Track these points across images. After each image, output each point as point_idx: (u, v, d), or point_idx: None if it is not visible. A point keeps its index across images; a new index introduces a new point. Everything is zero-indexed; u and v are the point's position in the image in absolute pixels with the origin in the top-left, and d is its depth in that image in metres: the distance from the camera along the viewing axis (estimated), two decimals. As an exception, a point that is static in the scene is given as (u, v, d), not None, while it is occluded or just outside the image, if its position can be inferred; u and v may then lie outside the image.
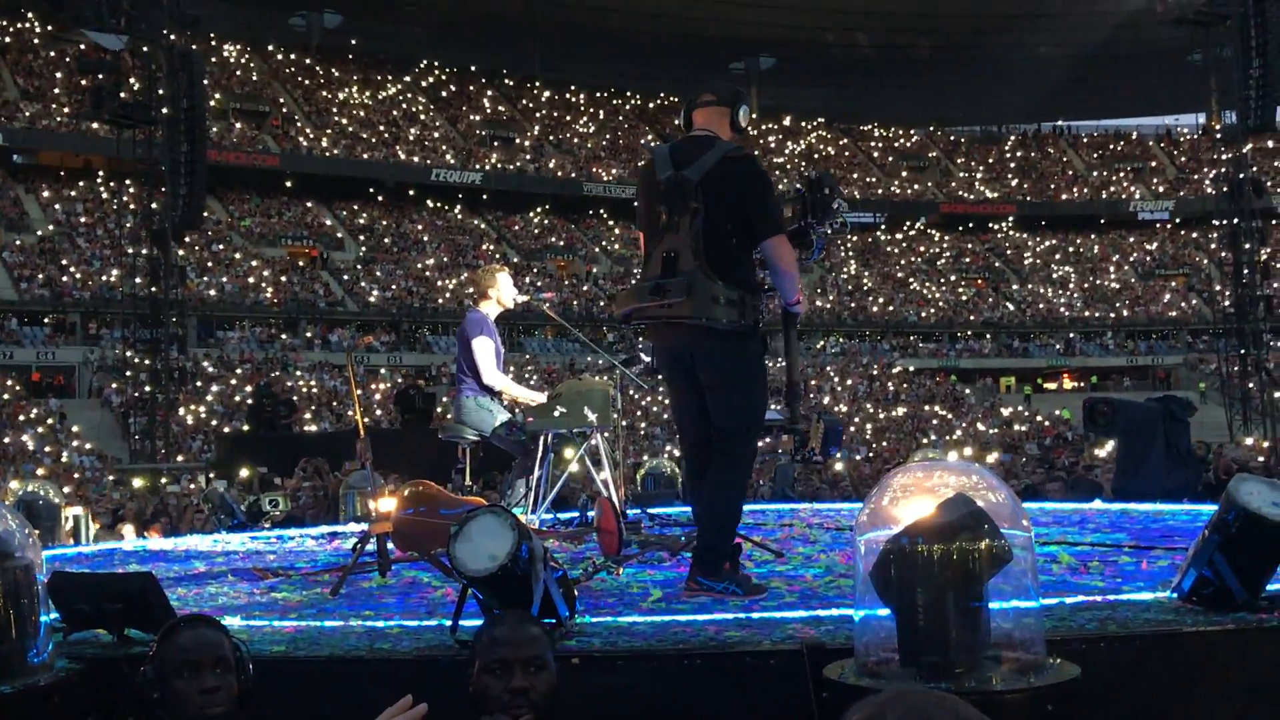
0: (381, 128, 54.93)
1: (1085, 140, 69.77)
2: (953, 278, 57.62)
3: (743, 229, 4.56)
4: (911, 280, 57.29)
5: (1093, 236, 61.92)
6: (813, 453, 5.63)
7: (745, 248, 4.62)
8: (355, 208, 51.71)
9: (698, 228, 4.50)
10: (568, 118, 62.02)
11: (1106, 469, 13.15)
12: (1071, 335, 54.40)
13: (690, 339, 4.58)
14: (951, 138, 70.31)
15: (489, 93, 61.82)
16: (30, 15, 51.40)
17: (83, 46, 40.93)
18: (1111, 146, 68.32)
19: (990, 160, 67.26)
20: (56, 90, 48.04)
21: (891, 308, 54.09)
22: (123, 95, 30.99)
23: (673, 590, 4.82)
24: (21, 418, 32.63)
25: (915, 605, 2.92)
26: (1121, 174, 65.27)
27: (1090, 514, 7.75)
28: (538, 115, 61.28)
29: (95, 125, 40.14)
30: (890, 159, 66.45)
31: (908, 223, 62.55)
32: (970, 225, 62.39)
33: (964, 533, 2.91)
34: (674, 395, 4.89)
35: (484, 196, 54.45)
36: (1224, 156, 39.28)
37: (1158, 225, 62.27)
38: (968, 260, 59.79)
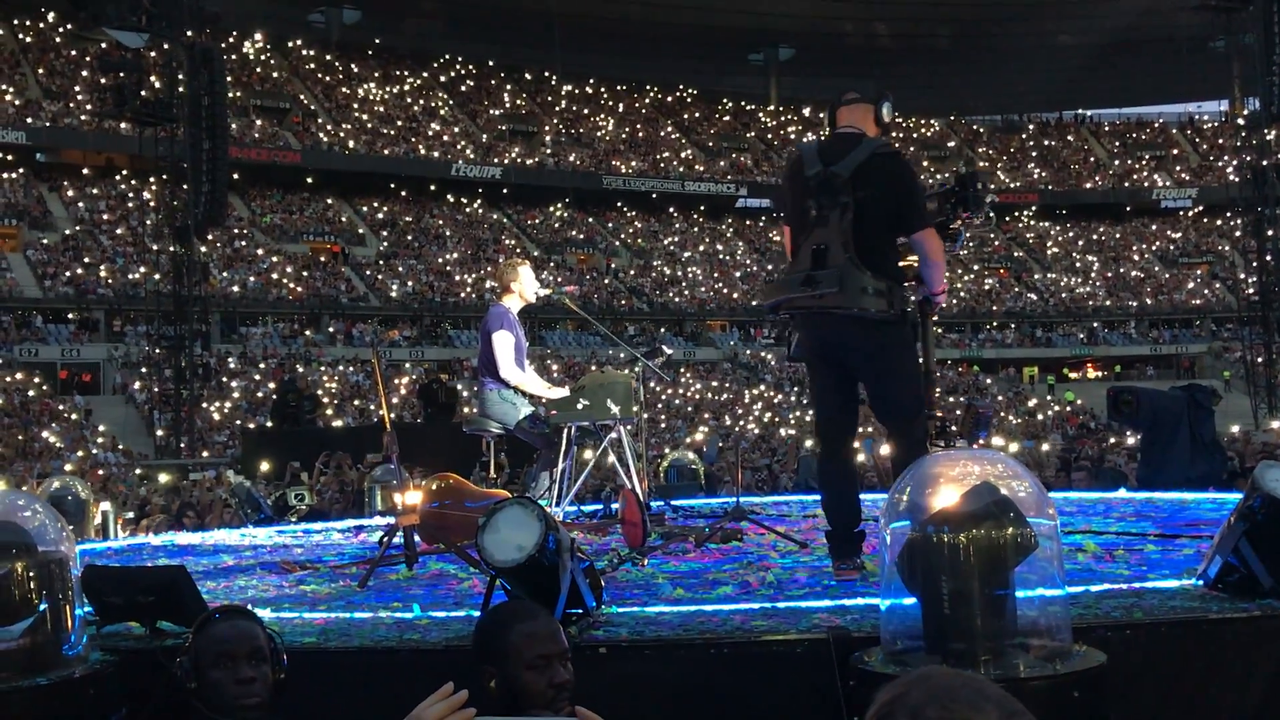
0: (401, 123, 55.04)
1: (1107, 128, 69.39)
2: (975, 267, 57.41)
3: (891, 222, 4.74)
4: (933, 270, 57.01)
5: (1115, 225, 61.60)
6: (960, 438, 5.84)
7: (893, 240, 4.79)
8: (376, 203, 51.86)
9: (848, 221, 4.63)
10: (587, 111, 62.01)
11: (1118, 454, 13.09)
12: (1095, 324, 54.16)
13: (841, 329, 4.70)
14: (973, 126, 70.04)
15: (508, 87, 61.87)
16: (52, 14, 51.66)
17: (104, 45, 41.17)
18: (1134, 134, 67.94)
19: (1011, 149, 66.98)
20: (78, 89, 48.30)
21: (914, 298, 53.91)
22: (144, 93, 31.15)
23: (697, 580, 4.84)
24: (47, 415, 32.85)
25: (941, 593, 2.94)
26: (1144, 162, 64.90)
27: (1115, 503, 7.73)
28: (557, 109, 61.30)
29: (118, 123, 40.34)
30: (911, 148, 66.18)
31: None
32: (992, 214, 62.12)
33: (989, 521, 2.92)
34: (817, 384, 5.00)
35: (504, 191, 54.52)
36: (1248, 143, 38.98)
37: (1181, 213, 61.92)
38: (990, 250, 59.57)
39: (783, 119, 66.54)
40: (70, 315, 39.77)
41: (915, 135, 67.79)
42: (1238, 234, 49.74)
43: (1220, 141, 63.19)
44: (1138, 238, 61.05)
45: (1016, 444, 24.66)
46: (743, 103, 66.72)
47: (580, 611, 3.72)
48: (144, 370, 35.16)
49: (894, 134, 67.17)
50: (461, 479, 7.01)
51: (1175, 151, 65.64)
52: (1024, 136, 68.56)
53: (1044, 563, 3.03)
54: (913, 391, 4.86)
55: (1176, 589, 3.91)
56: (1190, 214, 61.49)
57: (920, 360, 5.19)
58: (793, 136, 64.88)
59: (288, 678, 3.02)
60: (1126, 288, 56.57)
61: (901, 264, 4.92)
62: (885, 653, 3.11)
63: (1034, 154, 66.37)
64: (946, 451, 4.15)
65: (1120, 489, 9.34)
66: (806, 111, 67.10)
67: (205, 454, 29.37)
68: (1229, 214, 51.22)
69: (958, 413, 5.79)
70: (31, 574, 3.31)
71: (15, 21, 51.74)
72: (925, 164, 64.18)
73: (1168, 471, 9.10)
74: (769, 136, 64.59)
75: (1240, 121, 45.29)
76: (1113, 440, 21.10)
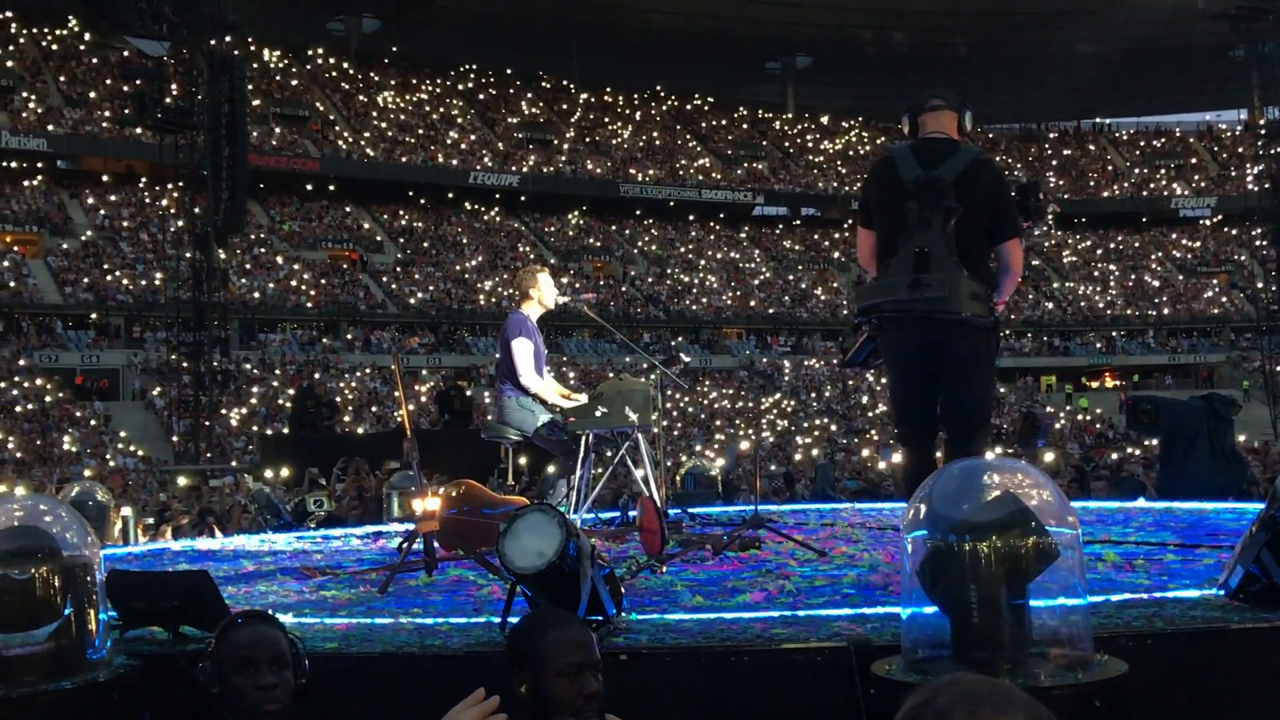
0: (420, 131, 55.21)
1: (1125, 137, 69.18)
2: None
3: (988, 229, 4.82)
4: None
5: (1134, 234, 61.39)
6: (1017, 444, 5.94)
7: (988, 247, 4.87)
8: (394, 211, 52.01)
9: (951, 226, 4.70)
10: (604, 119, 62.11)
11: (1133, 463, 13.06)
12: (1113, 333, 53.97)
13: (943, 332, 4.76)
14: (990, 135, 69.88)
15: (526, 95, 62.00)
16: (74, 22, 51.99)
17: (126, 53, 41.48)
18: (1152, 143, 67.72)
19: (1030, 158, 66.81)
20: (100, 96, 48.57)
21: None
22: (165, 101, 31.32)
23: (716, 588, 4.85)
24: (67, 421, 33.01)
25: (962, 602, 2.94)
26: (1162, 171, 64.69)
27: (1134, 512, 7.71)
28: (574, 117, 61.40)
29: (138, 130, 40.55)
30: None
31: (947, 221, 62.09)
32: (1050, 224, 61.85)
33: (1010, 530, 2.93)
34: (905, 388, 5.05)
35: (521, 198, 54.62)
36: (1267, 152, 38.82)
37: (1200, 222, 61.67)
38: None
39: (800, 127, 66.51)
40: (90, 321, 39.97)
41: (933, 144, 67.59)
42: (1257, 243, 49.58)
43: (1239, 150, 62.97)
44: (1156, 247, 60.84)
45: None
46: (760, 111, 66.73)
47: (601, 619, 3.73)
48: (163, 376, 35.32)
49: (791, 135, 67.16)
50: (480, 486, 7.03)
51: (1194, 160, 65.40)
52: (1042, 145, 68.42)
53: (1065, 572, 3.03)
54: (989, 399, 4.99)
55: (1198, 599, 3.91)
56: (1209, 223, 61.24)
57: None
58: (810, 145, 64.87)
59: (309, 683, 3.03)
60: (1145, 297, 56.37)
61: None
62: (906, 661, 3.12)
63: (1052, 163, 66.19)
64: (967, 460, 4.15)
65: (1139, 498, 9.31)
66: (824, 120, 67.09)
67: (224, 460, 29.45)
68: (1248, 223, 51.01)
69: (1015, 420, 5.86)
70: (56, 578, 3.34)
71: (38, 30, 52.06)
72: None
73: (1187, 481, 9.07)
74: (786, 145, 64.57)
75: (1259, 130, 45.13)
76: (1131, 449, 21.05)
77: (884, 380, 37.93)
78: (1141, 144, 67.81)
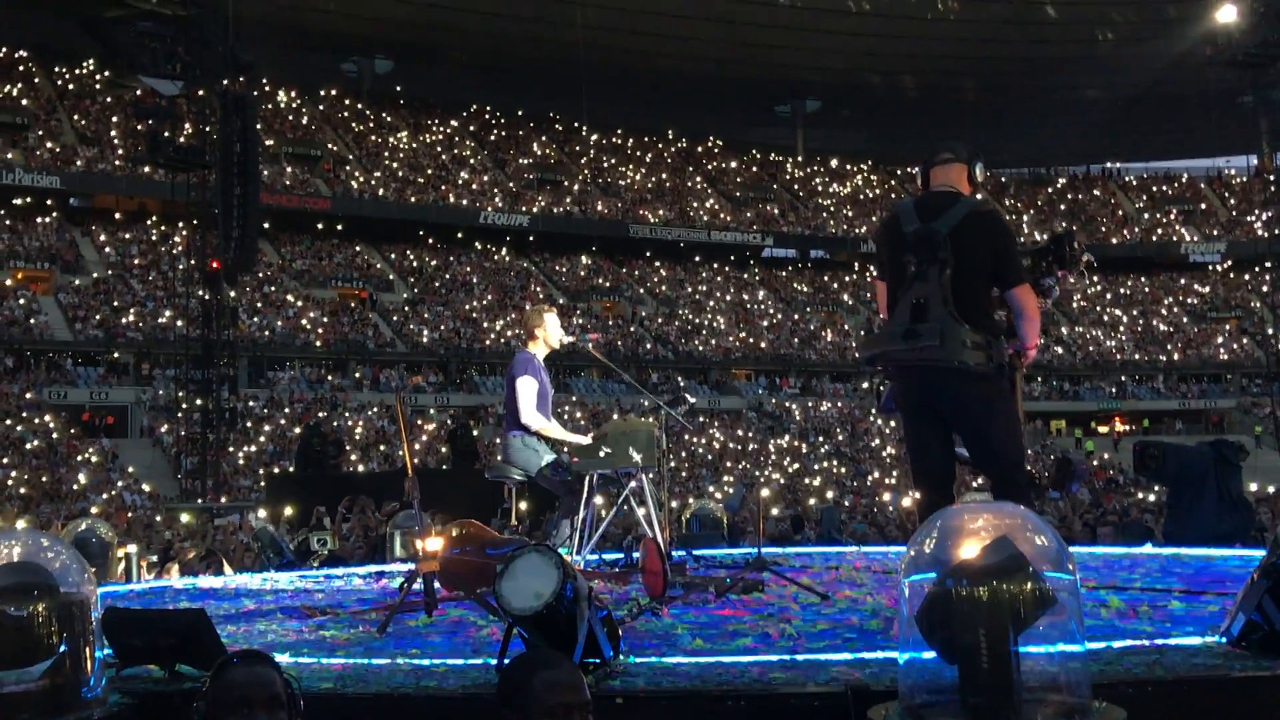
0: (431, 171, 55.53)
1: (1134, 182, 69.35)
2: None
3: (989, 278, 4.89)
4: (959, 322, 56.90)
5: (1143, 279, 61.42)
6: (1050, 489, 5.97)
7: (990, 295, 4.93)
8: (405, 250, 52.22)
9: (947, 277, 4.78)
10: (614, 161, 62.42)
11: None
12: (1123, 378, 53.87)
13: (941, 381, 4.83)
14: (1000, 179, 70.11)
15: (537, 136, 62.38)
16: (89, 62, 52.47)
17: (139, 92, 41.76)
18: (1161, 188, 67.86)
19: (1039, 202, 66.98)
20: (113, 135, 48.96)
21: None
22: (178, 139, 31.53)
23: (716, 631, 4.83)
24: (76, 457, 33.06)
25: (959, 648, 2.92)
26: (1172, 216, 64.78)
27: (1140, 558, 7.67)
28: (585, 159, 61.73)
29: (150, 169, 40.82)
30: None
31: (955, 265, 62.23)
32: (1084, 272, 61.90)
33: (1006, 576, 2.91)
34: (915, 436, 5.09)
35: (531, 238, 54.84)
36: (1276, 198, 38.86)
37: (1209, 267, 61.71)
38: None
39: (809, 170, 66.80)
40: (100, 358, 40.08)
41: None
42: (1266, 289, 49.52)
43: (1249, 196, 63.06)
44: (1166, 292, 60.83)
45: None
46: (770, 154, 67.06)
47: (597, 661, 3.71)
48: (171, 413, 35.38)
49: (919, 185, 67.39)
50: (483, 526, 7.01)
51: (1204, 206, 65.50)
52: (1051, 190, 68.58)
53: (1063, 618, 3.01)
54: (1013, 442, 4.97)
55: (1199, 646, 3.87)
56: (1219, 268, 61.27)
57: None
58: (819, 187, 65.09)
59: (304, 724, 3.01)
60: (1155, 342, 56.31)
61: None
62: (903, 707, 3.09)
63: (1061, 207, 66.34)
64: (965, 505, 4.15)
65: (1146, 544, 9.26)
66: (833, 163, 67.38)
67: (230, 498, 29.44)
68: (1258, 268, 51.02)
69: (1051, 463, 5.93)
70: (53, 615, 3.33)
71: (53, 69, 52.57)
72: (952, 216, 64.17)
73: (1194, 527, 9.02)
74: (795, 187, 64.82)
75: (1269, 176, 45.20)
76: (1140, 495, 20.96)
77: (893, 423, 37.93)
78: (1151, 189, 67.97)
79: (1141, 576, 6.43)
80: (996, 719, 2.83)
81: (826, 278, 60.05)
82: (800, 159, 67.08)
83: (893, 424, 46.10)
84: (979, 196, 5.16)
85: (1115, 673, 3.47)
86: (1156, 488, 16.74)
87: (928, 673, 3.03)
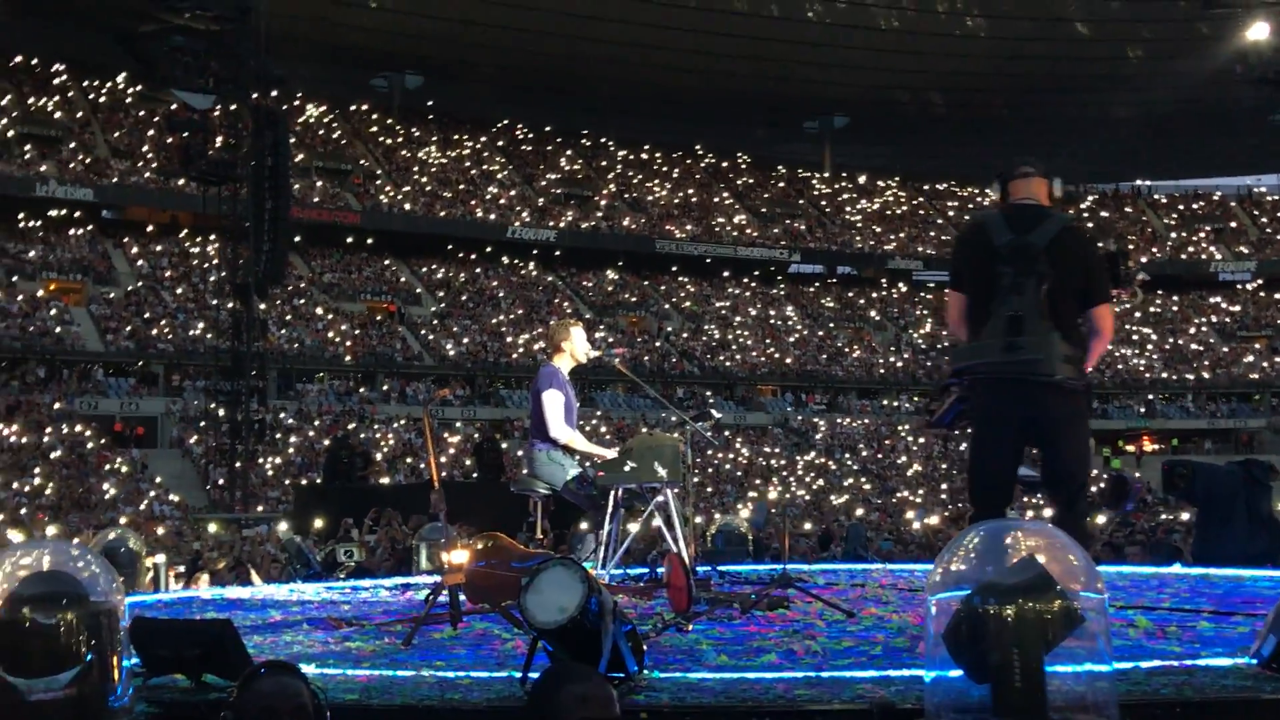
0: (459, 186, 55.74)
1: (1164, 200, 68.96)
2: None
3: (1080, 294, 4.92)
4: (987, 339, 56.64)
5: (1173, 297, 61.02)
6: (1105, 507, 6.03)
7: (1078, 311, 4.95)
8: (433, 264, 52.41)
9: (1044, 291, 4.80)
10: (641, 176, 62.51)
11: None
12: (1151, 397, 53.50)
13: (1036, 395, 4.84)
14: (1028, 197, 69.83)
15: (565, 152, 62.54)
16: (122, 76, 52.95)
17: (172, 106, 42.13)
18: (1191, 206, 67.47)
19: (1068, 219, 66.61)
20: (145, 148, 49.38)
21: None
22: (209, 153, 31.77)
23: (741, 648, 4.81)
24: (106, 467, 33.27)
25: (985, 666, 2.91)
26: (1202, 234, 64.38)
27: (1169, 578, 7.61)
28: (612, 174, 61.84)
29: (182, 182, 41.13)
30: (966, 217, 66.07)
31: (984, 282, 62.03)
32: (1138, 290, 61.50)
33: (1033, 594, 2.90)
34: (988, 454, 5.07)
35: (558, 253, 54.94)
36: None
37: (1239, 286, 61.27)
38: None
39: (836, 186, 66.72)
40: (131, 369, 40.36)
41: (970, 204, 67.71)
42: (1298, 308, 49.15)
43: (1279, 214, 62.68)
44: (1196, 310, 60.43)
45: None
46: (797, 170, 67.03)
47: (622, 675, 3.71)
48: (200, 425, 35.58)
49: (950, 203, 67.24)
50: (508, 539, 7.01)
51: (1234, 224, 65.08)
52: (1081, 207, 68.27)
53: (1091, 637, 2.99)
54: (1087, 462, 5.03)
55: (1229, 667, 3.84)
56: (1249, 287, 60.83)
57: None
58: (846, 204, 65.00)
59: (329, 734, 3.02)
60: (1184, 360, 55.91)
61: None
62: (928, 725, 3.08)
63: (1090, 225, 65.98)
64: (993, 522, 4.12)
65: (1175, 564, 9.18)
66: (861, 179, 67.27)
67: (259, 509, 29.56)
68: (1289, 287, 50.68)
69: (1101, 483, 5.95)
70: (81, 624, 3.35)
71: (86, 83, 53.08)
72: (980, 233, 63.93)
73: (1224, 548, 8.94)
74: (822, 203, 64.75)
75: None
76: (1169, 515, 20.78)
77: (921, 441, 37.65)
78: (1181, 207, 67.59)
79: (1170, 597, 6.38)
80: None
81: (853, 294, 59.93)
82: (827, 175, 67.01)
83: (921, 441, 45.95)
84: (1066, 213, 5.24)
85: (1144, 694, 3.45)
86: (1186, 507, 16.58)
87: (954, 691, 3.01)
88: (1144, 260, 61.10)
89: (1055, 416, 4.86)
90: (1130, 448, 53.08)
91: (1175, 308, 60.40)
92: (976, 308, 4.97)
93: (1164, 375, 54.59)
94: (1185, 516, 16.53)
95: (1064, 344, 4.77)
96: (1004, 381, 4.88)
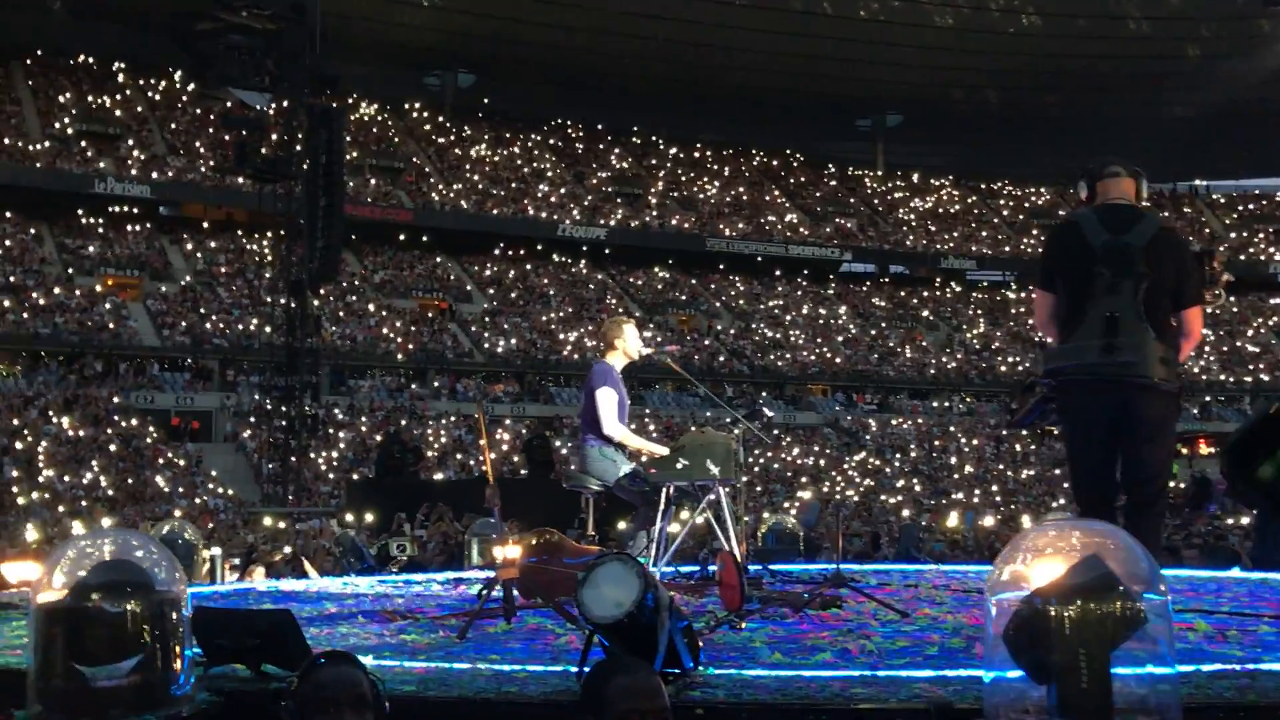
0: (511, 184, 55.96)
1: (1222, 200, 68.02)
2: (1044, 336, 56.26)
3: (1173, 295, 4.92)
4: (1041, 340, 56.16)
5: (1230, 298, 60.08)
6: (1187, 509, 6.04)
7: (1171, 312, 4.95)
8: (484, 261, 52.65)
9: (1143, 291, 4.81)
10: (692, 174, 62.47)
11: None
12: (1208, 399, 52.77)
13: (1132, 396, 4.85)
14: (1082, 196, 69.07)
15: (615, 150, 62.61)
16: (179, 74, 53.64)
17: (228, 104, 42.61)
18: (1249, 206, 66.49)
19: (1123, 219, 65.90)
20: (201, 145, 49.97)
21: (1022, 367, 53.10)
22: (264, 151, 32.07)
23: (795, 646, 4.80)
24: (161, 460, 33.69)
25: (1046, 667, 2.89)
26: (1261, 235, 63.42)
27: (1227, 582, 7.50)
28: (662, 172, 61.84)
29: (238, 179, 41.58)
30: (1020, 216, 65.56)
31: (1037, 282, 61.51)
32: (1220, 292, 60.81)
33: (1096, 595, 2.87)
34: (1087, 453, 5.09)
35: (608, 251, 55.01)
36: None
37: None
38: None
39: (889, 185, 66.35)
40: (186, 364, 40.84)
41: (1025, 204, 67.11)
42: (1360, 310, 48.34)
43: (1341, 215, 61.63)
44: (1254, 312, 59.55)
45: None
46: (849, 168, 66.73)
47: (678, 671, 3.71)
48: (254, 420, 35.92)
49: (1004, 202, 66.67)
50: (561, 535, 7.04)
51: (1295, 225, 64.11)
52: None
53: (1153, 639, 2.96)
54: (1169, 465, 5.07)
55: (1293, 673, 3.79)
56: (1309, 288, 59.89)
57: None
58: (899, 202, 64.62)
59: (389, 725, 3.04)
60: (1241, 363, 55.11)
61: None
62: (988, 726, 3.06)
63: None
64: (1055, 522, 4.09)
65: (1234, 568, 9.05)
66: (914, 177, 66.84)
67: (311, 503, 29.82)
68: (1350, 289, 49.83)
69: (1183, 485, 5.93)
70: (146, 613, 3.40)
71: (144, 81, 53.83)
72: (1035, 231, 63.45)
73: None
74: (874, 202, 64.42)
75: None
76: (1227, 519, 20.50)
77: (974, 442, 37.27)
78: (1239, 207, 66.65)
79: (1229, 601, 6.29)
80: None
81: (905, 293, 59.57)
82: (880, 173, 66.66)
83: (974, 442, 45.59)
84: (1160, 214, 5.31)
85: (1206, 697, 3.41)
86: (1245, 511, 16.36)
87: (1014, 692, 2.99)
88: (1227, 260, 60.35)
89: (1147, 418, 4.85)
90: (1185, 450, 52.36)
91: (1233, 309, 59.54)
92: (1069, 308, 4.96)
93: (1221, 378, 53.83)
94: (1244, 520, 16.32)
95: (1159, 345, 4.77)
96: (1101, 382, 4.87)
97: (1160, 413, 4.86)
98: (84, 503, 28.51)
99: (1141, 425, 4.86)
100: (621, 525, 7.66)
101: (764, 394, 47.46)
